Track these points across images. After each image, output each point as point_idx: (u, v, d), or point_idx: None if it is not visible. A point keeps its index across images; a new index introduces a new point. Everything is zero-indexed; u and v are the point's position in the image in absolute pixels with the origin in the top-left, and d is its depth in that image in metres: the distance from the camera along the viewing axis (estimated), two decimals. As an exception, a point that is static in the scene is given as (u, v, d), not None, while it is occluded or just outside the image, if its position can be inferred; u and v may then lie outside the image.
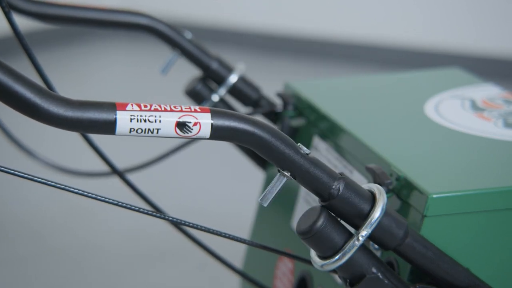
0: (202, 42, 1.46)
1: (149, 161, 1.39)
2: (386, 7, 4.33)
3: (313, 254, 0.95)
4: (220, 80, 1.41)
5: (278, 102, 1.43)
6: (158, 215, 0.95)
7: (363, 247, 0.93)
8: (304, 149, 0.89)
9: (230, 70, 1.41)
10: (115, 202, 0.90)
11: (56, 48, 4.34)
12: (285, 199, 1.35)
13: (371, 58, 4.31)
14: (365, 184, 0.95)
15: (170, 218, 0.95)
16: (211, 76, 1.41)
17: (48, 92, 0.79)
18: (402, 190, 1.06)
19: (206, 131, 0.85)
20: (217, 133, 0.85)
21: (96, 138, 1.18)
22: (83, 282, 2.29)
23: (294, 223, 1.32)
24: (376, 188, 0.93)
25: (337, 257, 0.91)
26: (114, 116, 0.81)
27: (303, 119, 1.36)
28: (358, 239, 0.91)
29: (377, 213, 0.91)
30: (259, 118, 1.31)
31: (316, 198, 0.93)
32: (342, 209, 0.91)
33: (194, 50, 1.39)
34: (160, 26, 1.36)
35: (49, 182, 0.86)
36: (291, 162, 0.88)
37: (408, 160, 1.11)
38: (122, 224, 2.55)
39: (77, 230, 2.54)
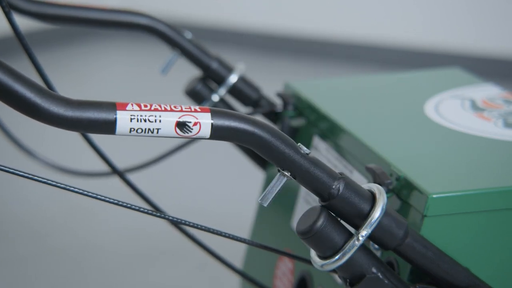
0: (202, 42, 1.46)
1: (149, 161, 1.39)
2: (386, 7, 4.33)
3: (313, 254, 0.95)
4: (220, 80, 1.41)
5: (278, 102, 1.43)
6: (158, 214, 0.95)
7: (363, 247, 0.93)
8: (304, 149, 0.89)
9: (230, 70, 1.41)
10: (115, 201, 0.90)
11: (56, 48, 4.34)
12: (285, 199, 1.34)
13: (371, 58, 4.31)
14: (365, 184, 0.95)
15: (170, 218, 0.95)
16: (211, 76, 1.41)
17: (48, 92, 0.79)
18: (402, 190, 1.06)
19: (206, 131, 0.85)
20: (217, 133, 0.85)
21: (96, 138, 1.18)
22: (83, 282, 2.28)
23: (294, 223, 1.32)
24: (376, 188, 0.93)
25: (337, 257, 0.91)
26: (114, 116, 0.81)
27: (303, 119, 1.36)
28: (358, 239, 0.91)
29: (377, 213, 0.91)
30: (259, 118, 1.31)
31: (316, 198, 0.93)
32: (342, 209, 0.91)
33: (194, 50, 1.39)
34: (160, 26, 1.36)
35: (49, 182, 0.86)
36: (291, 162, 0.88)
37: (408, 160, 1.11)
38: (122, 224, 2.55)
39: (77, 230, 2.54)
